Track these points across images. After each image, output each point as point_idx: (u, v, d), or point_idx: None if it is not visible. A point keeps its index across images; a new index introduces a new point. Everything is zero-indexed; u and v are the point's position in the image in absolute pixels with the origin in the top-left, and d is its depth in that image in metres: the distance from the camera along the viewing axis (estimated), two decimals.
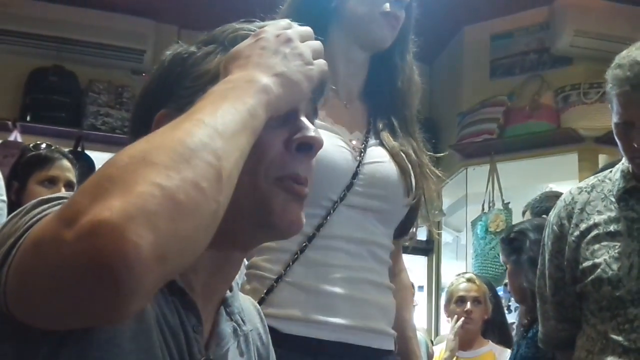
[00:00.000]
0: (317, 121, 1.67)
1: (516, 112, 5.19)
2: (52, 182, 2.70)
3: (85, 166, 5.09)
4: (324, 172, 1.63)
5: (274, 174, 0.98)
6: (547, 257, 2.20)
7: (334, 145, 1.68)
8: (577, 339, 2.13)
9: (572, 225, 2.12)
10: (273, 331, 1.58)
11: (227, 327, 1.08)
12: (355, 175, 1.68)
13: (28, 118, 5.19)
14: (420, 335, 4.50)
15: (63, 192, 0.71)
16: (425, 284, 6.15)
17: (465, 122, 5.39)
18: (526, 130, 5.06)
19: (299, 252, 1.63)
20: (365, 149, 1.74)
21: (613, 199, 2.09)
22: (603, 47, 4.55)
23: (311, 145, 1.02)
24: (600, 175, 2.22)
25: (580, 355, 2.08)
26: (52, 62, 5.33)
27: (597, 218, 2.08)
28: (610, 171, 2.19)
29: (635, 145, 1.97)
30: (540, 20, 5.29)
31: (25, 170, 2.72)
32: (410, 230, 1.89)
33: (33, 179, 2.69)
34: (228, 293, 1.10)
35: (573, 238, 2.09)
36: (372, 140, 1.77)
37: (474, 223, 5.24)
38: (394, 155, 1.75)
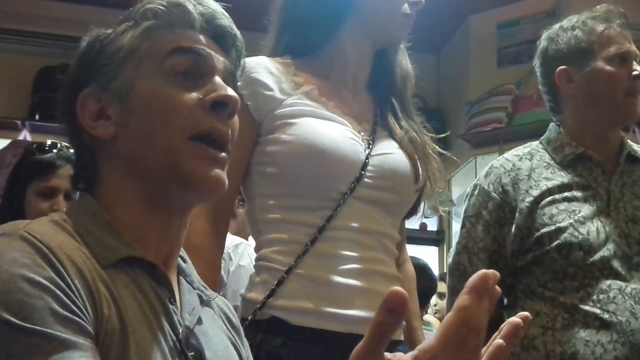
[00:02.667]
0: (326, 113, 1.70)
1: (524, 101, 5.17)
2: (50, 194, 2.47)
3: None
4: (333, 164, 1.64)
5: (189, 132, 1.02)
6: (479, 228, 2.08)
7: (344, 136, 1.68)
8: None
9: (521, 192, 2.02)
10: (283, 323, 1.59)
11: (192, 295, 1.11)
12: (364, 167, 1.68)
13: (37, 117, 5.22)
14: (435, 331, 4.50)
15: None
16: (436, 274, 6.15)
17: (473, 111, 5.38)
18: (535, 118, 5.04)
19: (309, 243, 1.62)
20: (373, 140, 1.74)
21: (557, 167, 2.06)
22: None
23: (226, 103, 1.05)
24: (530, 145, 2.19)
25: (530, 333, 1.93)
26: (59, 60, 5.33)
27: (548, 184, 2.02)
28: (541, 142, 2.17)
29: (635, 74, 2.00)
30: (547, 7, 5.28)
31: (25, 177, 2.52)
32: (417, 211, 1.89)
33: (31, 188, 2.49)
34: (183, 264, 1.14)
35: (526, 204, 2.00)
36: (380, 132, 1.77)
37: None
38: (402, 144, 1.75)
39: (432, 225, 5.97)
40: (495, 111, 5.21)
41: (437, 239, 6.04)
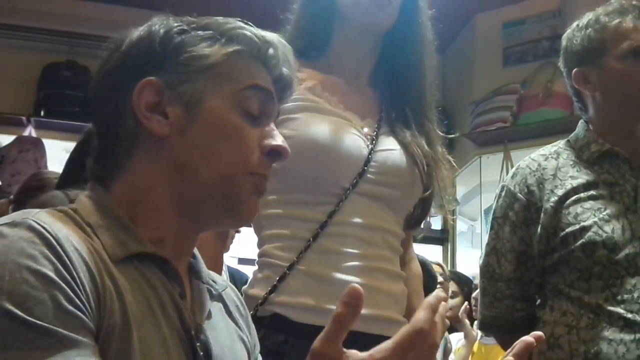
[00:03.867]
0: (328, 107, 1.70)
1: (529, 100, 5.15)
2: None
3: None
4: (335, 159, 1.63)
5: (250, 169, 1.07)
6: (507, 229, 2.06)
7: (346, 132, 1.68)
8: (541, 315, 2.01)
9: (546, 192, 2.00)
10: (285, 320, 1.58)
11: (202, 290, 1.13)
12: (367, 162, 1.67)
13: (42, 113, 5.20)
14: None
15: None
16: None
17: (478, 110, 5.37)
18: (540, 118, 5.02)
19: (311, 239, 1.62)
20: (377, 136, 1.73)
21: (584, 165, 2.03)
22: None
23: (280, 154, 1.11)
24: (558, 144, 2.16)
25: (556, 332, 1.92)
26: (64, 57, 5.34)
27: (573, 182, 1.99)
28: (568, 140, 2.14)
29: None
30: (552, 7, 5.26)
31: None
32: (425, 221, 1.88)
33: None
34: (192, 260, 1.15)
35: (551, 204, 1.97)
36: (384, 128, 1.77)
37: (488, 211, 5.22)
38: (405, 145, 1.74)
39: (436, 224, 5.96)
40: (500, 110, 5.19)
41: (441, 237, 6.03)
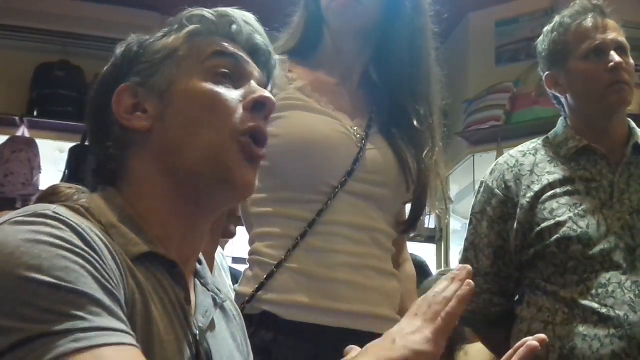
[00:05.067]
0: (317, 106, 1.70)
1: (522, 98, 5.16)
2: None
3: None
4: (323, 157, 1.64)
5: (237, 130, 1.06)
6: (484, 224, 2.10)
7: (333, 130, 1.68)
8: (519, 312, 2.03)
9: (523, 187, 2.04)
10: (273, 317, 1.59)
11: (206, 297, 1.13)
12: (356, 161, 1.68)
13: (35, 113, 5.19)
14: None
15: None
16: (434, 271, 6.14)
17: (471, 109, 5.37)
18: (532, 116, 5.02)
19: (299, 237, 1.63)
20: (366, 136, 1.73)
21: (561, 160, 2.06)
22: None
23: (264, 103, 1.10)
24: (537, 140, 2.18)
25: (533, 328, 1.94)
26: (57, 56, 5.33)
27: (550, 178, 2.02)
28: (547, 137, 2.17)
29: (611, 65, 1.98)
30: (545, 5, 5.27)
31: None
32: (418, 223, 1.88)
33: None
34: (198, 266, 1.15)
35: (527, 199, 2.01)
36: (373, 128, 1.77)
37: None
38: (394, 145, 1.74)
39: (429, 222, 5.96)
40: (493, 109, 5.19)
41: (434, 236, 6.03)
